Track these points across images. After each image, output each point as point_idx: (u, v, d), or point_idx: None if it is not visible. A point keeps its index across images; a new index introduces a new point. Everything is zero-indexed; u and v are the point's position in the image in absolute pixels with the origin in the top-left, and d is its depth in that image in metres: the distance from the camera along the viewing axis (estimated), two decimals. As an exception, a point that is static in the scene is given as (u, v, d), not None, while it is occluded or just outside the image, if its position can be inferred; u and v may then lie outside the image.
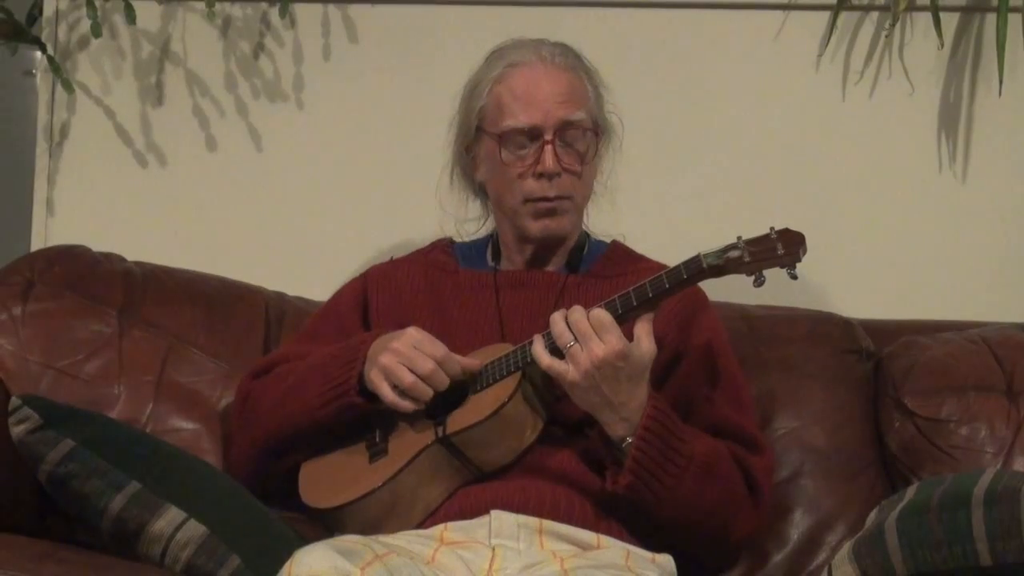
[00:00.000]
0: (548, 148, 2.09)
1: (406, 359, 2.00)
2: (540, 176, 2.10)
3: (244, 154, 2.76)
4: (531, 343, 1.97)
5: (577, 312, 1.92)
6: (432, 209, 2.28)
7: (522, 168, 2.11)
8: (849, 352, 2.41)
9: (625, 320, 1.94)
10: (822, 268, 2.52)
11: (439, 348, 2.01)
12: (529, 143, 2.11)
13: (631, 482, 1.93)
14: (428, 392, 1.99)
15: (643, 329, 1.93)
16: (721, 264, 1.89)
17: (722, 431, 2.06)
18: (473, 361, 2.02)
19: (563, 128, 2.10)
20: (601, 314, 1.91)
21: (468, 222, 2.29)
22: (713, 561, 2.11)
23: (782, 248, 1.89)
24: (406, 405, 2.00)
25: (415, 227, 2.44)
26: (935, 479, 1.98)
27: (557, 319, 1.93)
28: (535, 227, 2.14)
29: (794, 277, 1.90)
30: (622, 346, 1.90)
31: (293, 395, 2.10)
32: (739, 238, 1.90)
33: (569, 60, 2.15)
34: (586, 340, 1.90)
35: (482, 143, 2.16)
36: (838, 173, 2.69)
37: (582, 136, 2.12)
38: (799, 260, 1.89)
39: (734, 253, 1.89)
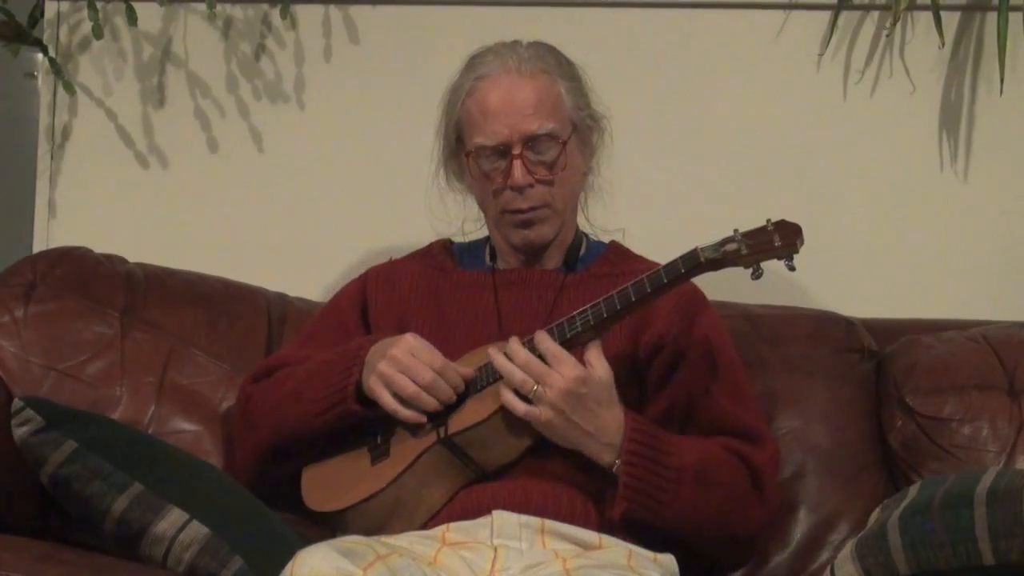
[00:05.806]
0: (517, 163, 2.09)
1: (405, 367, 2.00)
2: (513, 189, 2.10)
3: (245, 155, 2.76)
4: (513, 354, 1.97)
5: (523, 353, 1.94)
6: (433, 210, 2.29)
7: (496, 182, 2.12)
8: (851, 351, 2.41)
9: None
10: (824, 267, 2.52)
11: (437, 357, 2.01)
12: (499, 158, 2.11)
13: (626, 508, 1.94)
14: (431, 402, 1.99)
15: (593, 354, 1.96)
16: (719, 257, 1.90)
17: (722, 425, 2.06)
18: (468, 370, 2.03)
19: (530, 141, 2.09)
20: (550, 345, 1.94)
21: (467, 221, 2.29)
22: (729, 559, 2.12)
23: (779, 239, 1.89)
24: (408, 415, 2.00)
25: (416, 228, 2.44)
26: (937, 478, 1.98)
27: (505, 364, 1.95)
28: (516, 237, 2.15)
29: (792, 268, 1.90)
30: (579, 372, 1.93)
31: (292, 402, 2.10)
32: (736, 231, 1.90)
33: (540, 64, 2.13)
34: (543, 378, 1.93)
35: (463, 154, 2.16)
36: (839, 172, 2.68)
37: (551, 146, 2.11)
38: (796, 251, 1.89)
39: (731, 246, 1.89)
